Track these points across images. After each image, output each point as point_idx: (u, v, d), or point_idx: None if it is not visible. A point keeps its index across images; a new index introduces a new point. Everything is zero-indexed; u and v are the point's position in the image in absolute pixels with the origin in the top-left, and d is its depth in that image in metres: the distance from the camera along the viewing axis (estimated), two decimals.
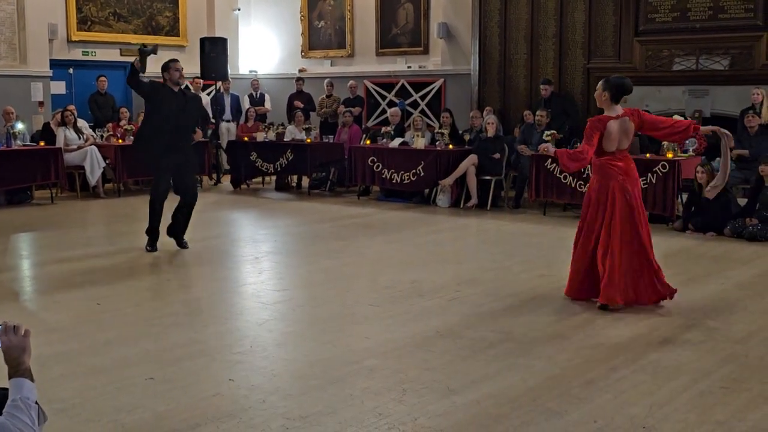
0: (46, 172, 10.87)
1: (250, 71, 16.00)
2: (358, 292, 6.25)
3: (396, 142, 11.44)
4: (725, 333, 5.06)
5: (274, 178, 13.06)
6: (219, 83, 14.18)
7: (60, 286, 6.32)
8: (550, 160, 9.51)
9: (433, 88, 13.98)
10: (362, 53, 15.04)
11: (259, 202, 11.56)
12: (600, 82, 5.77)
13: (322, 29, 15.55)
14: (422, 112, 13.67)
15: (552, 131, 10.08)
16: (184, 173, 7.57)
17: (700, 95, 11.26)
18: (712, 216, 8.47)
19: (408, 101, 14.06)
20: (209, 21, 15.51)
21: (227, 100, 14.27)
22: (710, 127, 5.83)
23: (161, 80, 7.50)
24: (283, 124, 13.00)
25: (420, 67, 14.27)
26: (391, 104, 13.97)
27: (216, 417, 3.69)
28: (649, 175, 8.91)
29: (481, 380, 4.19)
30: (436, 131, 11.41)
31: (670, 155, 9.16)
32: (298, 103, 13.93)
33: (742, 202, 8.78)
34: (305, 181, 12.72)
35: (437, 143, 11.13)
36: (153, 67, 8.93)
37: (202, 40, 13.55)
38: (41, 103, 12.92)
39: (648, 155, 9.18)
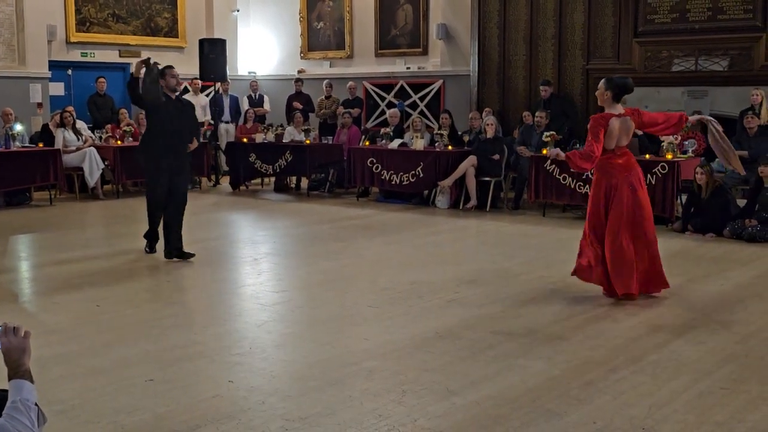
0: (45, 174, 10.88)
1: (249, 72, 15.98)
2: (357, 293, 6.25)
3: (395, 144, 11.43)
4: (725, 334, 5.06)
5: (273, 179, 13.06)
6: (218, 84, 14.15)
7: (59, 288, 6.32)
8: (549, 161, 9.52)
9: (433, 89, 13.98)
10: (361, 54, 15.02)
11: (258, 204, 11.56)
12: (602, 81, 5.82)
13: (321, 30, 15.54)
14: (421, 113, 13.66)
15: (551, 132, 10.08)
16: (178, 175, 7.55)
17: (700, 96, 11.25)
18: (711, 217, 8.46)
19: (407, 102, 14.05)
20: (208, 22, 15.49)
21: (226, 102, 14.25)
22: (696, 117, 6.22)
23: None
24: (282, 126, 13.00)
25: (419, 68, 14.27)
26: (390, 105, 13.97)
27: (215, 418, 3.69)
28: (649, 176, 8.89)
29: (481, 381, 4.19)
30: (435, 132, 11.42)
31: (669, 156, 9.15)
32: (297, 105, 13.92)
33: (742, 203, 8.78)
34: (304, 183, 12.71)
35: (436, 144, 11.12)
36: None
37: (201, 42, 13.54)
38: (40, 105, 12.90)
39: (648, 156, 9.18)
